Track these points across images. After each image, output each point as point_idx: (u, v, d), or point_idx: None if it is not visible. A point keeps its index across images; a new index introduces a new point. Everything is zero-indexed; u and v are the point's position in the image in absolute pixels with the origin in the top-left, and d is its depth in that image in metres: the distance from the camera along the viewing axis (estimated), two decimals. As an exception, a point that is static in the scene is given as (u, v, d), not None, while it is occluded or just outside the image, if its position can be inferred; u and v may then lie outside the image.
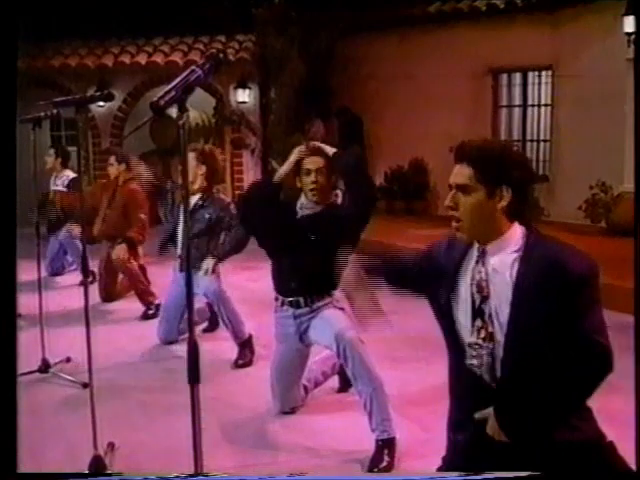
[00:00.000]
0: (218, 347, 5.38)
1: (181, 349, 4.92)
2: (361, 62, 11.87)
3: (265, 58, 11.25)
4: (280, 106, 11.51)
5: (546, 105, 10.90)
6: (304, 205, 4.00)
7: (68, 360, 5.04)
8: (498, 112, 11.36)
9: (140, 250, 6.89)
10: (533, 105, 11.10)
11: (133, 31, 11.46)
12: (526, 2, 10.43)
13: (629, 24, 8.73)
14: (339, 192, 4.06)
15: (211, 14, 10.73)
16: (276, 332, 4.19)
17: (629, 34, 8.78)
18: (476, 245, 2.50)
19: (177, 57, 10.94)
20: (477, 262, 2.48)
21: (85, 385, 4.18)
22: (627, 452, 2.49)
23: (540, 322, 2.33)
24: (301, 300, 3.98)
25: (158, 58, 10.87)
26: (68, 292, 6.67)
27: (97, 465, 3.44)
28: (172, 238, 5.59)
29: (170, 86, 2.02)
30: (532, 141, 11.16)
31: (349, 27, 11.80)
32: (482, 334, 2.43)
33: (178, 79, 2.04)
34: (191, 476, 2.43)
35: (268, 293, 4.29)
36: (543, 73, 10.87)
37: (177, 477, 3.30)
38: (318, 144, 4.08)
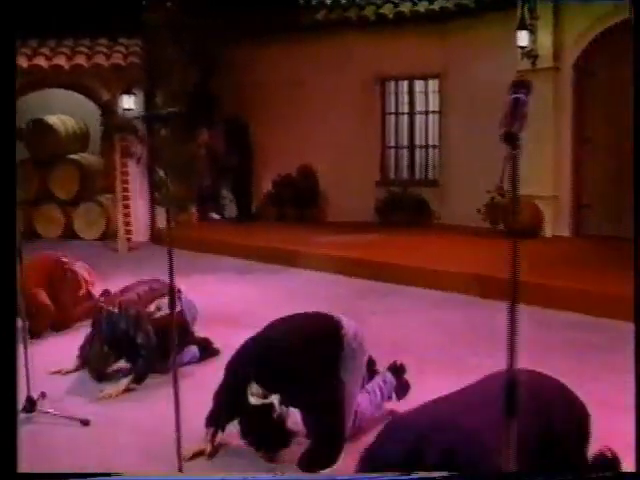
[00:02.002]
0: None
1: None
2: (249, 69, 11.77)
3: (151, 64, 10.84)
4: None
5: (434, 112, 11.30)
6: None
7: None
8: (386, 119, 11.62)
9: None
10: (421, 112, 11.46)
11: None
12: (415, 13, 10.77)
13: (522, 38, 9.23)
14: None
15: (95, 17, 10.18)
16: None
17: (522, 48, 9.28)
18: None
19: (61, 61, 10.29)
20: None
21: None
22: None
23: None
24: None
25: (41, 61, 10.16)
26: None
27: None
28: None
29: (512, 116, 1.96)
30: (421, 147, 11.53)
31: (237, 33, 11.65)
32: None
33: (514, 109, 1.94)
34: None
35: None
36: (430, 82, 11.24)
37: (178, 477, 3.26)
38: None
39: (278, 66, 11.73)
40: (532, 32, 9.22)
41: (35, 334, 5.57)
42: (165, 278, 4.51)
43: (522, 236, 7.57)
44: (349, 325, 3.78)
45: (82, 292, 6.23)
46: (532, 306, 6.01)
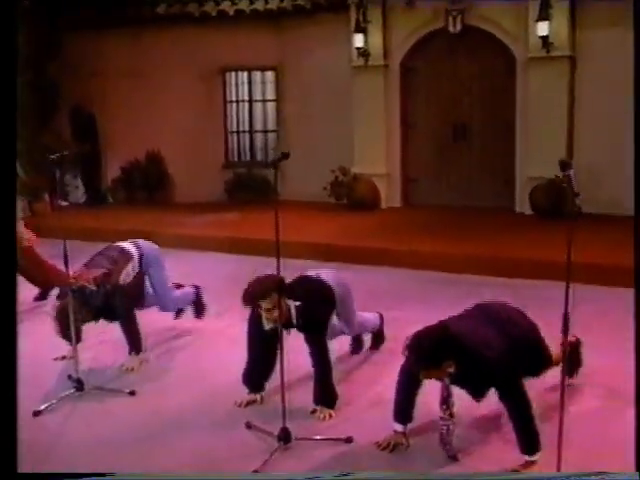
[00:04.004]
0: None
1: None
2: (92, 59, 12.20)
3: None
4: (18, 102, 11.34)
5: (271, 100, 12.52)
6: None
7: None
8: (227, 107, 12.67)
9: None
10: (259, 100, 12.63)
11: None
12: (253, 11, 11.86)
13: (358, 40, 10.72)
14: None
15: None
16: None
17: (358, 49, 10.77)
18: None
19: None
20: None
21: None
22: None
23: None
24: None
25: None
26: None
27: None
28: None
29: (571, 187, 3.24)
30: (259, 132, 12.72)
31: (76, 23, 12.04)
32: None
33: (569, 182, 3.17)
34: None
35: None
36: (268, 73, 12.43)
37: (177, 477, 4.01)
38: None
39: (122, 57, 12.31)
40: (365, 34, 10.73)
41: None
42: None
43: (363, 208, 9.72)
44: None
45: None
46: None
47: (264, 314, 4.38)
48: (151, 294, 5.94)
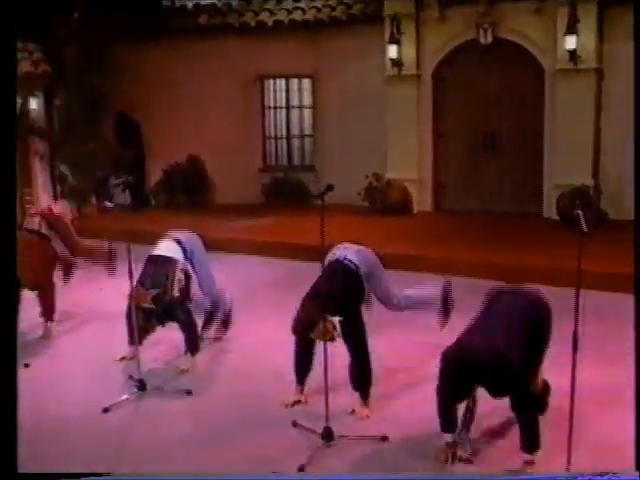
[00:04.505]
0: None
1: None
2: (136, 69, 12.73)
3: (54, 67, 11.61)
4: (67, 113, 12.01)
5: (308, 107, 13.02)
6: None
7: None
8: (265, 113, 13.20)
9: None
10: (295, 107, 13.13)
11: None
12: (291, 21, 12.35)
13: (392, 51, 11.16)
14: None
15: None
16: None
17: (392, 59, 11.22)
18: None
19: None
20: None
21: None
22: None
23: None
24: None
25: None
26: None
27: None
28: None
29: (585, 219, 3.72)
30: (296, 137, 13.24)
31: (122, 36, 12.60)
32: None
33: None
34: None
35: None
36: (305, 80, 12.93)
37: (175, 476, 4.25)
38: None
39: (164, 66, 12.84)
40: (399, 45, 11.17)
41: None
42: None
43: (396, 213, 10.33)
44: None
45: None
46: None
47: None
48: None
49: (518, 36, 10.66)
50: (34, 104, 11.54)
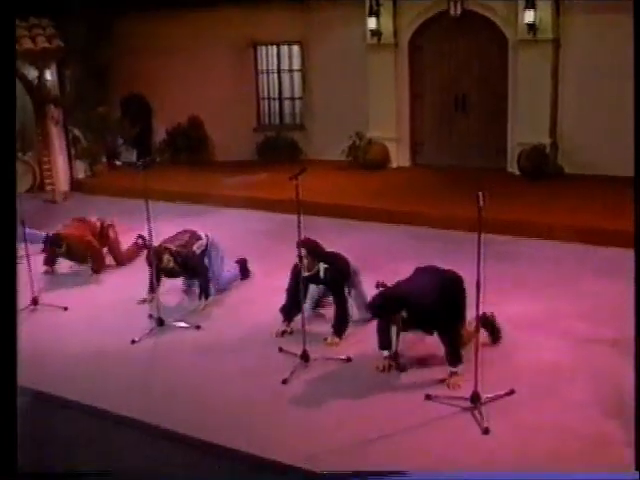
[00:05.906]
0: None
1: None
2: (139, 40, 13.85)
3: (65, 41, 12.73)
4: (78, 82, 13.23)
5: (297, 70, 14.20)
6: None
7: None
8: (259, 76, 14.39)
9: None
10: (285, 70, 14.32)
11: None
12: (282, -7, 13.46)
13: (372, 22, 12.36)
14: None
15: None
16: None
17: (372, 30, 12.40)
18: None
19: None
20: None
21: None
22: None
23: None
24: None
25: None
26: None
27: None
28: None
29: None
30: (287, 99, 14.46)
31: (124, 8, 13.69)
32: None
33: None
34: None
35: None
36: (294, 47, 14.08)
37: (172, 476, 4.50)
38: None
39: (165, 36, 13.93)
40: (378, 16, 12.32)
41: (96, 272, 8.38)
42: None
43: (377, 168, 12.17)
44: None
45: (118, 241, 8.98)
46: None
47: (303, 260, 6.27)
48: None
49: (485, 9, 11.82)
50: (49, 75, 12.69)
